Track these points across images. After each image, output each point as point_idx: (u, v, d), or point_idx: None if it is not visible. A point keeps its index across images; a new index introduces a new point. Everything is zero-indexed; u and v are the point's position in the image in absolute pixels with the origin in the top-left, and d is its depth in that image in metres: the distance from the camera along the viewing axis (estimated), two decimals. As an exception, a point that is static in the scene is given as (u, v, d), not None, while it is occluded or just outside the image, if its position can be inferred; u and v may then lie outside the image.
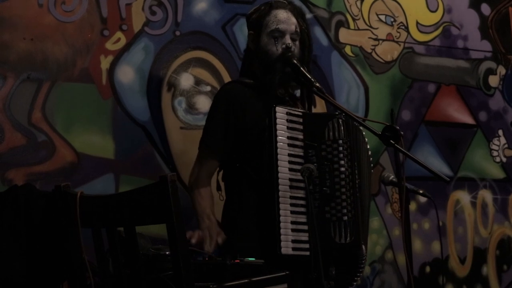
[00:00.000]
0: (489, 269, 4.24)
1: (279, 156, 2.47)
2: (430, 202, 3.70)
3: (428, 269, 3.94)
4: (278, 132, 2.49)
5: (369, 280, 3.72)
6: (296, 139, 2.53)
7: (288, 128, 2.52)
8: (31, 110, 2.83)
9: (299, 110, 2.62)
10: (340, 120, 2.55)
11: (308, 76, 2.54)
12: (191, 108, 3.21)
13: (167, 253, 2.08)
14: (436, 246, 3.93)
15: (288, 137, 2.51)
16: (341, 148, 2.53)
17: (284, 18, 2.65)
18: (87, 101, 2.96)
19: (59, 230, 2.16)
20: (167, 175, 1.87)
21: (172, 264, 1.90)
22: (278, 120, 2.49)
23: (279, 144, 2.48)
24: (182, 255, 1.87)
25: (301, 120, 2.55)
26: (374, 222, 3.78)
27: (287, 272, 2.18)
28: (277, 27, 2.64)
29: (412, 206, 3.88)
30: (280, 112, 2.51)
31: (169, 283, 1.97)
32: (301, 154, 2.52)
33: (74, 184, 2.49)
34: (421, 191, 3.06)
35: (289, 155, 2.50)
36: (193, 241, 2.48)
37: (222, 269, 2.06)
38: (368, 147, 2.71)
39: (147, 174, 3.00)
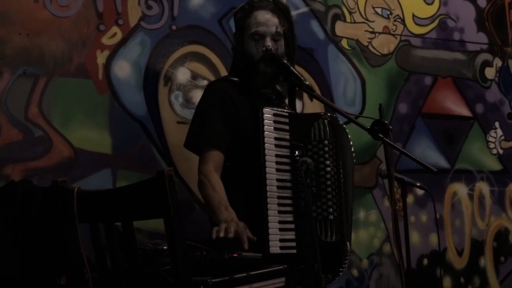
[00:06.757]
0: (486, 261, 4.25)
1: (266, 157, 2.49)
2: (427, 195, 3.70)
3: (425, 261, 3.95)
4: (265, 133, 2.50)
5: (367, 273, 3.73)
6: (283, 139, 2.55)
7: (275, 129, 2.53)
8: (28, 105, 2.82)
9: (286, 110, 2.64)
10: (326, 121, 2.59)
11: (298, 75, 2.57)
12: (188, 102, 3.20)
13: (165, 247, 2.09)
14: (433, 238, 3.94)
15: (275, 138, 2.53)
16: (326, 148, 2.56)
17: (264, 20, 2.64)
18: (84, 96, 2.95)
19: (56, 226, 2.16)
20: (164, 169, 1.87)
21: (170, 259, 1.90)
22: (265, 122, 2.51)
23: (267, 145, 2.50)
24: (179, 249, 1.87)
25: (287, 120, 2.57)
26: (372, 215, 3.78)
27: (285, 266, 2.19)
28: (256, 29, 2.64)
29: (410, 198, 3.88)
30: (268, 114, 2.53)
31: (167, 277, 1.97)
32: (288, 154, 2.54)
33: (71, 179, 2.48)
34: (418, 184, 3.08)
35: (276, 155, 2.52)
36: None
37: (220, 263, 2.07)
38: (351, 143, 2.75)
39: (144, 169, 3.00)
